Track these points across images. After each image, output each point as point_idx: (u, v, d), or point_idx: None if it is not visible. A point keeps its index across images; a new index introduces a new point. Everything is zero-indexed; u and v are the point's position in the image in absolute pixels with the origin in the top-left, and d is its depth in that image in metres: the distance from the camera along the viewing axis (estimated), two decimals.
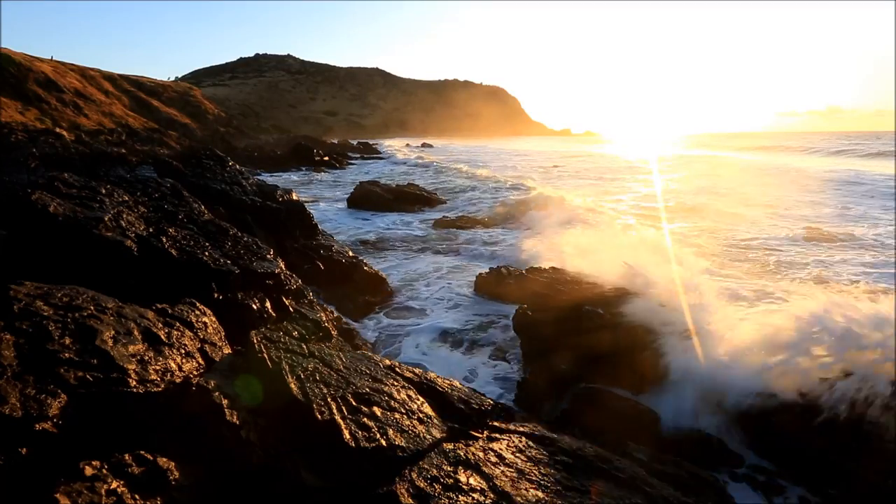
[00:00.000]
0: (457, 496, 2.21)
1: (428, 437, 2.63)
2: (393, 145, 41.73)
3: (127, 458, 2.07)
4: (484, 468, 2.44)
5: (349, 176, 28.49)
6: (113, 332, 2.60)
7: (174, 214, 6.30)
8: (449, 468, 2.39)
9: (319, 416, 2.49)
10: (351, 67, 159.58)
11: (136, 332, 2.70)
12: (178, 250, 4.95)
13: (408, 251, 10.84)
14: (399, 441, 2.51)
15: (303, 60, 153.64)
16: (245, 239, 6.40)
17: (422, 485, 2.24)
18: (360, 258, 8.45)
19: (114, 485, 1.95)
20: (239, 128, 51.35)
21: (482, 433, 2.83)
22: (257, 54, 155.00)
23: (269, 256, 6.21)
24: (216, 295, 4.83)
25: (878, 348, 3.80)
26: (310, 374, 2.80)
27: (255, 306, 5.13)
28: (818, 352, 4.07)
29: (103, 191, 5.38)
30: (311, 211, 9.40)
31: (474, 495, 2.23)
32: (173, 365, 2.66)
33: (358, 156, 46.15)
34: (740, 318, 5.31)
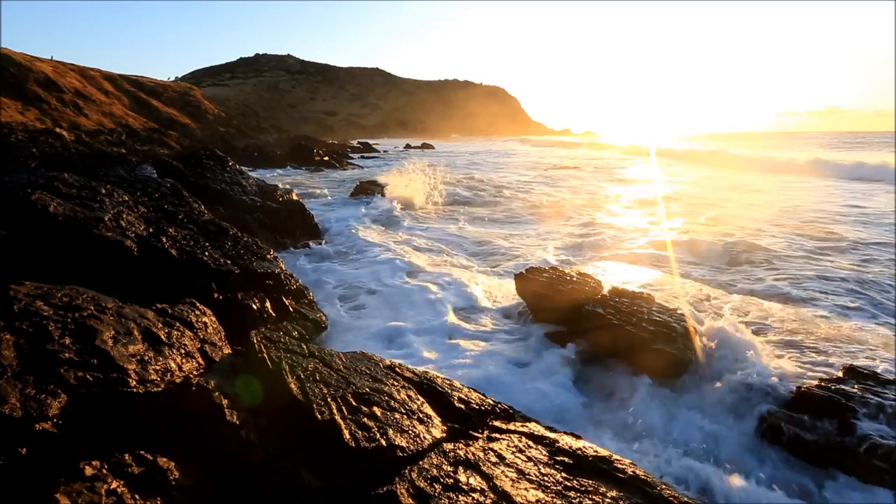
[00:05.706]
0: (457, 496, 2.21)
1: (428, 437, 2.63)
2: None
3: (127, 458, 2.07)
4: (484, 468, 2.44)
5: None
6: (113, 332, 2.59)
7: (174, 214, 6.31)
8: (449, 468, 2.38)
9: (319, 416, 2.49)
10: (351, 67, 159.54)
11: (136, 332, 2.70)
12: (178, 250, 4.95)
13: None
14: (399, 441, 2.51)
15: (303, 60, 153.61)
16: (245, 239, 6.41)
17: (422, 485, 2.23)
18: None
19: (114, 485, 1.95)
20: (239, 128, 51.30)
21: (482, 433, 2.83)
22: (257, 54, 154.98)
23: (269, 256, 6.21)
24: (216, 295, 4.84)
25: None
26: (310, 374, 2.80)
27: (255, 306, 5.14)
28: None
29: (103, 191, 5.38)
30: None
31: (474, 495, 2.23)
32: (173, 365, 2.66)
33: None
34: None
